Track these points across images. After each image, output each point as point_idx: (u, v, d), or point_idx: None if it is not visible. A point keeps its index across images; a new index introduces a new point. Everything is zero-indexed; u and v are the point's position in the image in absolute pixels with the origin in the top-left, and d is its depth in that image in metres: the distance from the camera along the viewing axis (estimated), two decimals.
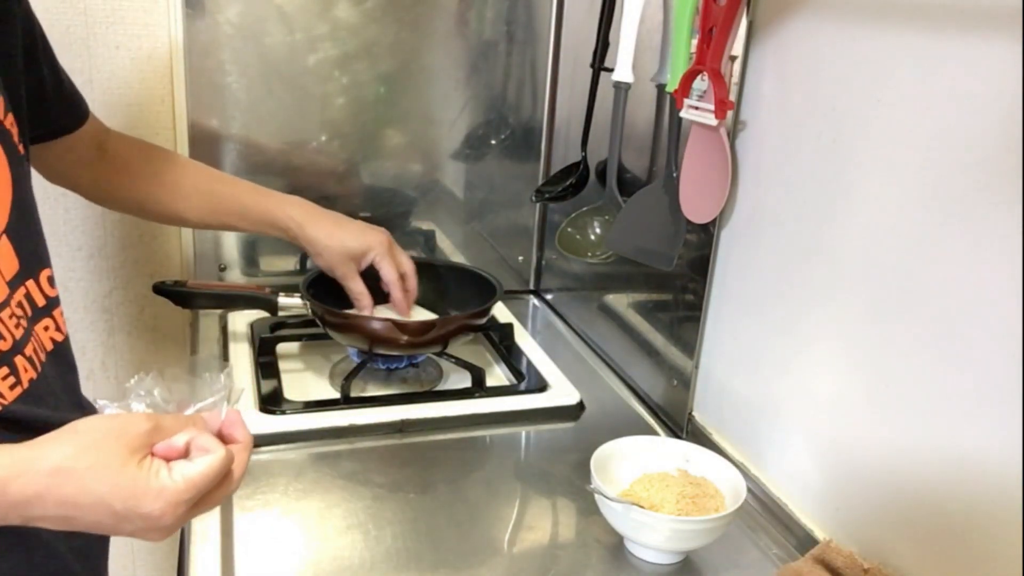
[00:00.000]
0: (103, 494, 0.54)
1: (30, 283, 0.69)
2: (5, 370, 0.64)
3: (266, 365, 1.08)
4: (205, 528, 0.75)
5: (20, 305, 0.67)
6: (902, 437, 0.69)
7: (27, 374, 0.66)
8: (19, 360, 0.65)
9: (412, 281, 1.09)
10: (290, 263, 1.32)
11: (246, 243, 1.30)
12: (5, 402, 0.63)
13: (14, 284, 0.66)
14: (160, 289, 1.11)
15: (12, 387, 0.64)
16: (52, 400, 0.69)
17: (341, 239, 1.03)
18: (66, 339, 0.74)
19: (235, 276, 1.30)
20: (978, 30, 0.60)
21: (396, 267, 1.06)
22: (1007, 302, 0.59)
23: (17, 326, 0.66)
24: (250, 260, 1.30)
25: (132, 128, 1.27)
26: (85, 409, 0.75)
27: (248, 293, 1.14)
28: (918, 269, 0.66)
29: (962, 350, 0.63)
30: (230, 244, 1.29)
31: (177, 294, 1.12)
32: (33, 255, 0.70)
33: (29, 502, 0.53)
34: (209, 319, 1.24)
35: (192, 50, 1.16)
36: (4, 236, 0.66)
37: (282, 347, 1.14)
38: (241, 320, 1.21)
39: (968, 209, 0.62)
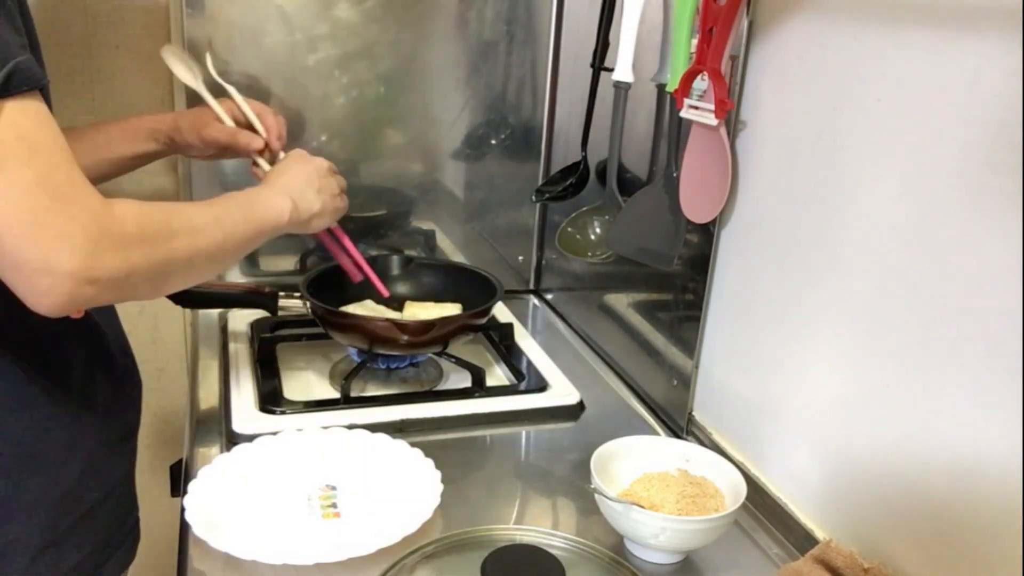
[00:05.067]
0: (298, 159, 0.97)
1: None
2: None
3: (266, 365, 1.08)
4: (205, 532, 0.75)
5: None
6: (902, 437, 0.69)
7: None
8: None
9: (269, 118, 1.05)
10: (290, 263, 1.32)
11: None
12: None
13: None
14: None
15: None
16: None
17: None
18: None
19: (235, 276, 1.30)
20: (978, 30, 0.60)
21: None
22: (1007, 302, 0.59)
23: None
24: (250, 260, 1.30)
25: None
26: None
27: (248, 293, 1.14)
28: (918, 268, 0.66)
29: (962, 350, 0.63)
30: None
31: (177, 294, 1.11)
32: None
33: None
34: (209, 319, 1.24)
35: (192, 50, 1.16)
36: None
37: (282, 347, 1.14)
38: (241, 320, 1.21)
39: (968, 209, 0.62)
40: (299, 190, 0.91)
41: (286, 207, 0.88)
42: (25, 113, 0.60)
